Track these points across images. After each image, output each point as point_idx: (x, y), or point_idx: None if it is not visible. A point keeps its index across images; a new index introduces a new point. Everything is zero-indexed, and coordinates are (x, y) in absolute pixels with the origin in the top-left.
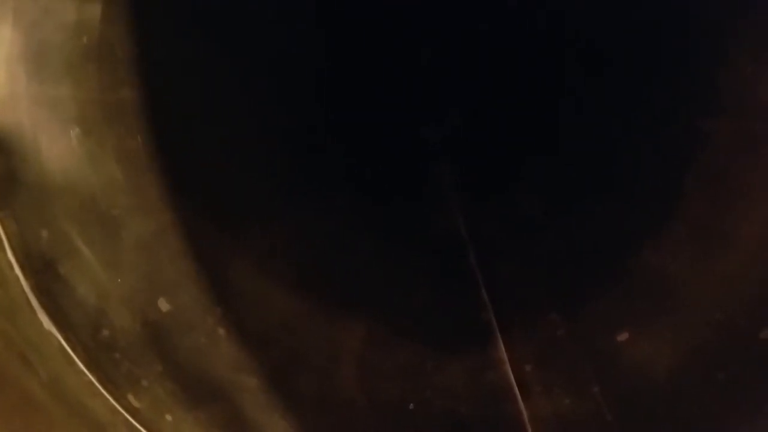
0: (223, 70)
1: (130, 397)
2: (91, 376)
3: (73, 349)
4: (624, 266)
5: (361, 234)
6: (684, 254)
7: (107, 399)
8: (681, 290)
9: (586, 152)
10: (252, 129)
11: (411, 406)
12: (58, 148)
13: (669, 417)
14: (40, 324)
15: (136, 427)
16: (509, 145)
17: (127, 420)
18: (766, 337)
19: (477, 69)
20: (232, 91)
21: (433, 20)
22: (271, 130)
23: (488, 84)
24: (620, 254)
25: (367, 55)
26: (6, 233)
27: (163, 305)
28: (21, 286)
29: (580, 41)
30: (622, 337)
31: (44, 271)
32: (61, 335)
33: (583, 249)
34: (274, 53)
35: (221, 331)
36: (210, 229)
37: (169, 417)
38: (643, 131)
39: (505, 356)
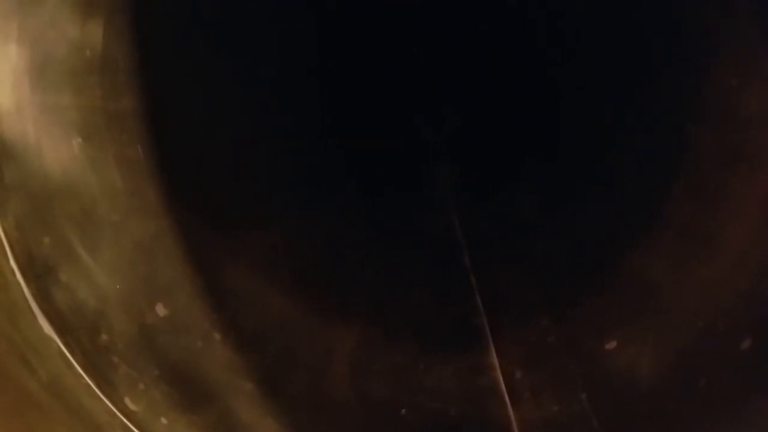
0: (222, 72)
1: (127, 401)
2: (89, 380)
3: (72, 353)
4: (612, 271)
5: (357, 235)
6: (669, 259)
7: (104, 402)
8: (665, 296)
9: (579, 155)
10: (251, 130)
11: (403, 411)
12: (60, 155)
13: (652, 422)
14: (41, 328)
15: (133, 430)
16: (508, 146)
17: (124, 423)
18: (747, 347)
19: (477, 69)
20: (232, 94)
21: (433, 20)
22: (269, 132)
23: (488, 85)
24: (609, 259)
25: (367, 55)
26: (8, 239)
27: (161, 310)
28: (22, 290)
29: (578, 43)
30: (611, 345)
31: (45, 277)
32: (61, 339)
33: (573, 254)
34: (273, 54)
35: (217, 335)
36: (207, 232)
37: (164, 420)
38: (633, 135)
39: (495, 361)
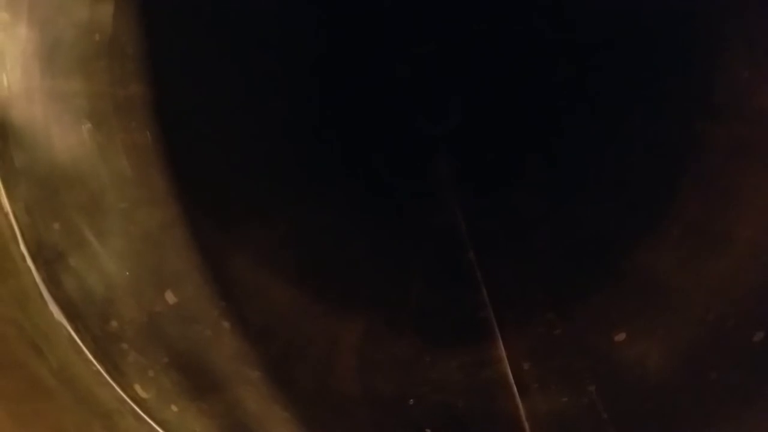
0: (228, 67)
1: (137, 387)
2: (99, 366)
3: (82, 339)
4: (620, 266)
5: (362, 230)
6: (678, 255)
7: (114, 388)
8: (675, 290)
9: (584, 151)
10: (255, 124)
11: (411, 401)
12: (69, 141)
13: (661, 415)
14: (51, 314)
15: (142, 417)
16: (510, 142)
17: (134, 409)
18: (759, 340)
19: (478, 66)
20: (237, 88)
21: (436, 18)
22: (273, 126)
23: (490, 80)
24: (616, 254)
25: (369, 53)
26: (19, 225)
27: (170, 297)
28: (32, 276)
29: (582, 42)
30: (620, 337)
31: (55, 262)
32: (71, 325)
33: (580, 248)
34: (277, 50)
35: (225, 323)
36: (212, 223)
37: (174, 407)
38: (641, 131)
39: (503, 353)
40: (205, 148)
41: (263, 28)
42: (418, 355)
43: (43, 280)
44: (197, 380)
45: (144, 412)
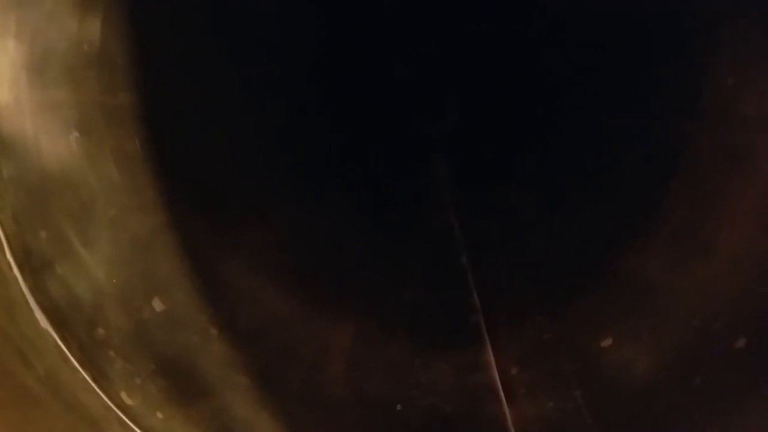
0: (219, 71)
1: (123, 395)
2: (85, 374)
3: (68, 347)
4: (608, 270)
5: (355, 232)
6: (665, 259)
7: (100, 396)
8: (661, 295)
9: (577, 153)
10: (248, 126)
11: (398, 407)
12: (58, 150)
13: (645, 420)
14: (37, 323)
15: (128, 424)
16: (505, 144)
17: (120, 417)
18: (741, 346)
19: (475, 67)
20: (228, 92)
21: (433, 17)
22: (265, 127)
23: (486, 82)
24: (605, 257)
25: (366, 52)
26: (6, 233)
27: (157, 305)
28: (19, 285)
29: (581, 42)
30: (606, 342)
31: (42, 271)
32: (57, 334)
33: (570, 252)
34: (273, 49)
35: (213, 330)
36: (204, 227)
37: (160, 414)
38: (631, 134)
39: (492, 358)
40: (196, 152)
41: (262, 28)
42: (408, 359)
43: (30, 289)
44: (184, 387)
45: (129, 420)
